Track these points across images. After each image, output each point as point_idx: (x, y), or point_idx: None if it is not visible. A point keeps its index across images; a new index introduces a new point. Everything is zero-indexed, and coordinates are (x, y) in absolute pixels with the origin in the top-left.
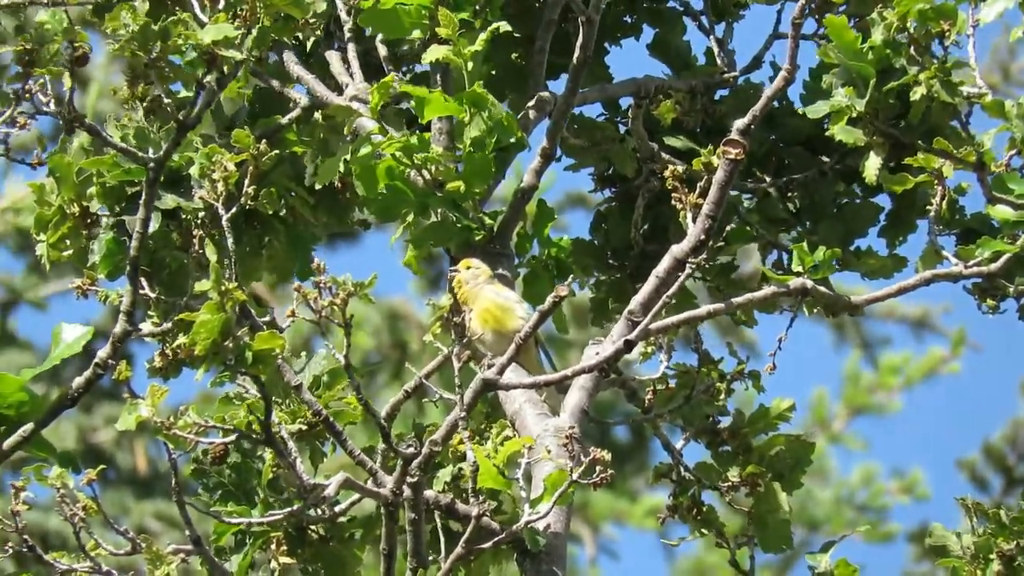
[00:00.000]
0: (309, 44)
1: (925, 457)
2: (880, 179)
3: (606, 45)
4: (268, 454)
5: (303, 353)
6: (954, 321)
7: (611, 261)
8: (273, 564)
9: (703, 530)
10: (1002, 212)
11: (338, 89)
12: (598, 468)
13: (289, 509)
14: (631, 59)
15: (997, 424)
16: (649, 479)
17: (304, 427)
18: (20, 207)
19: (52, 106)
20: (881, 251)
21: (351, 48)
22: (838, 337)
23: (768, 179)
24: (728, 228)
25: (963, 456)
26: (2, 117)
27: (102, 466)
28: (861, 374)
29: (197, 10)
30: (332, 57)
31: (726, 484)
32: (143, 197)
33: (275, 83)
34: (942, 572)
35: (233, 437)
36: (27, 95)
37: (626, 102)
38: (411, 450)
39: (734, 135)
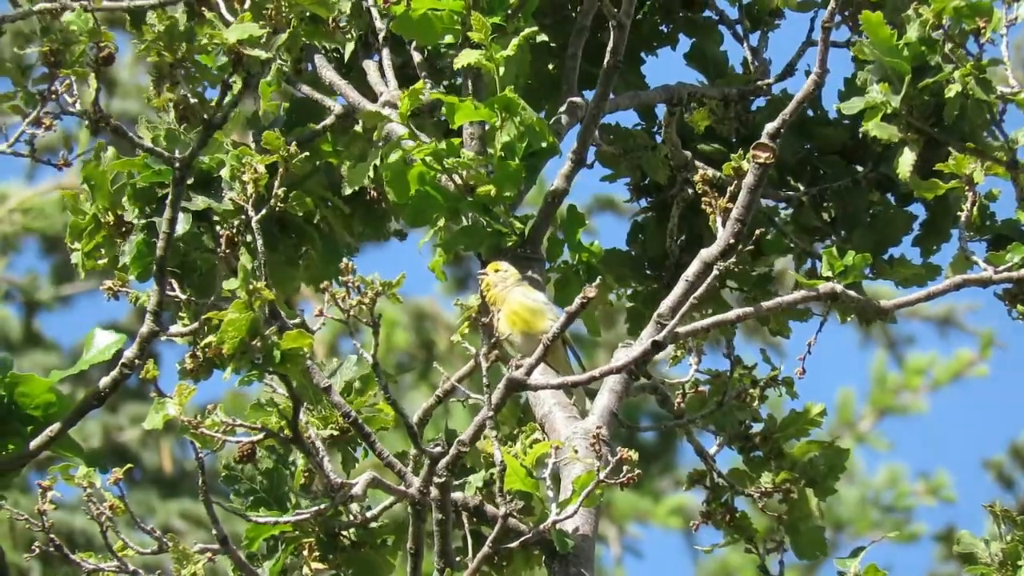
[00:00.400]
0: (347, 55)
1: (951, 458)
2: (912, 185)
3: (642, 55)
4: (300, 460)
5: (334, 359)
6: (979, 319)
7: (647, 271)
8: (305, 570)
9: (735, 536)
10: None
11: (376, 99)
12: (625, 468)
13: (316, 508)
14: (668, 69)
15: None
16: (675, 480)
17: (336, 432)
18: (28, 207)
19: (78, 106)
20: (915, 260)
21: (386, 55)
22: (863, 336)
23: (802, 188)
24: (760, 236)
25: (989, 457)
26: (28, 118)
27: (129, 465)
28: (888, 375)
29: (224, 11)
30: (369, 67)
31: (759, 491)
32: (170, 196)
33: (308, 90)
34: (968, 575)
35: (260, 436)
36: (53, 96)
37: (661, 111)
38: (438, 450)
39: (763, 139)
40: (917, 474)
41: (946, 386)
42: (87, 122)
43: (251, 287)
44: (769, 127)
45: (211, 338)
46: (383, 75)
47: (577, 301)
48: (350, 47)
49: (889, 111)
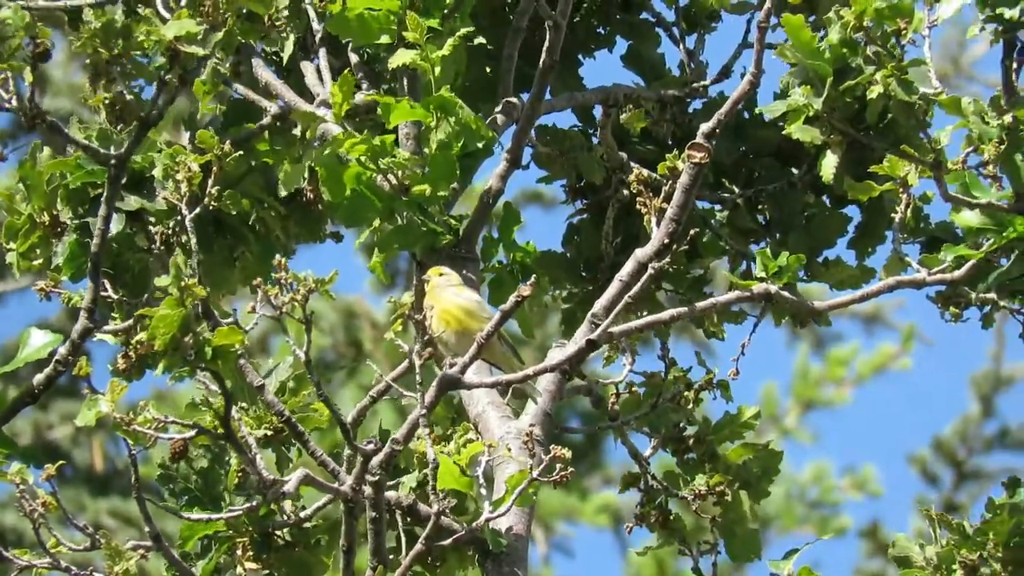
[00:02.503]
0: (286, 57)
1: (876, 453)
2: (845, 187)
3: (580, 57)
4: (234, 459)
5: (269, 360)
6: (906, 316)
7: (583, 273)
8: (239, 570)
9: (669, 539)
10: (966, 219)
11: (314, 101)
12: (558, 466)
13: (249, 505)
14: (605, 71)
15: (947, 419)
16: (604, 478)
17: (269, 432)
18: None
19: (14, 103)
20: (850, 261)
21: (323, 56)
22: (791, 335)
23: (737, 190)
24: (695, 237)
25: (914, 452)
26: None
27: (61, 462)
28: (810, 368)
29: (161, 8)
30: (307, 69)
31: (694, 493)
32: (105, 194)
33: (244, 90)
34: (893, 570)
35: (192, 433)
36: None
37: (598, 113)
38: (371, 447)
39: (698, 139)
40: (843, 469)
41: (870, 380)
42: (22, 117)
43: (183, 284)
44: (704, 127)
45: (143, 335)
46: (320, 77)
47: (511, 299)
48: (288, 48)
49: (811, 113)
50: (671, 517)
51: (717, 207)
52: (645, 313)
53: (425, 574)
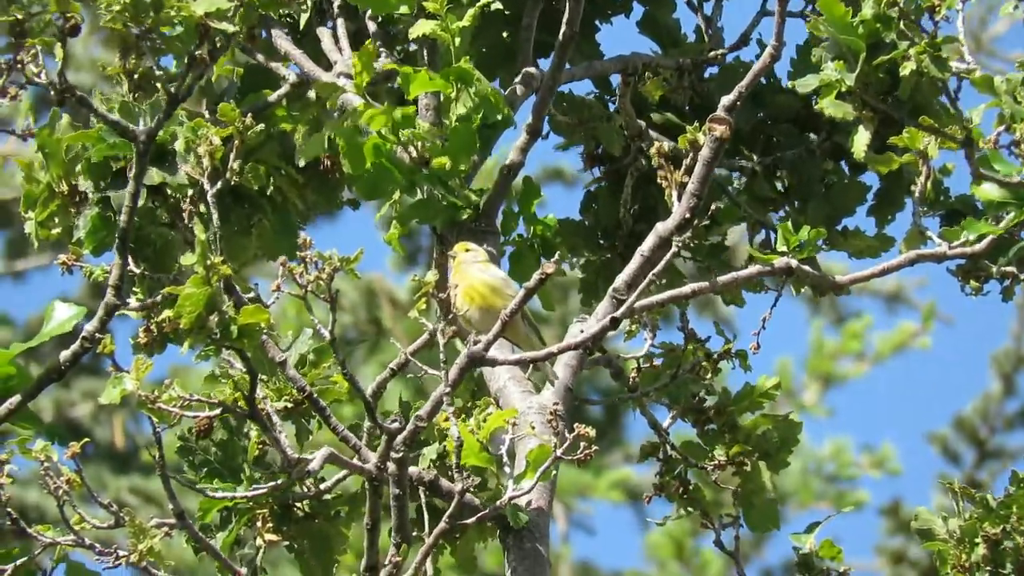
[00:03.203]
0: (302, 22)
1: (895, 430)
2: (865, 159)
3: (597, 23)
4: (254, 432)
5: (289, 332)
6: (927, 295)
7: (600, 241)
8: (259, 541)
9: (689, 508)
10: (987, 192)
11: (331, 67)
12: (582, 444)
13: (273, 483)
14: (622, 37)
15: (968, 397)
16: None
17: (290, 405)
18: None
19: (43, 77)
20: (869, 230)
21: (341, 25)
22: (811, 311)
23: (756, 158)
24: (715, 207)
25: (934, 430)
26: None
27: (85, 439)
28: (825, 341)
29: None
30: (323, 34)
31: (712, 463)
32: (133, 170)
33: (263, 59)
34: (915, 547)
35: (218, 411)
36: (19, 66)
37: (616, 81)
38: (395, 425)
39: (719, 112)
40: (862, 446)
41: (889, 358)
42: (51, 92)
43: (209, 262)
44: (725, 100)
45: (167, 313)
46: (337, 43)
47: (535, 277)
48: (305, 15)
49: (844, 89)
50: (690, 487)
51: (735, 174)
52: (664, 283)
53: (446, 547)
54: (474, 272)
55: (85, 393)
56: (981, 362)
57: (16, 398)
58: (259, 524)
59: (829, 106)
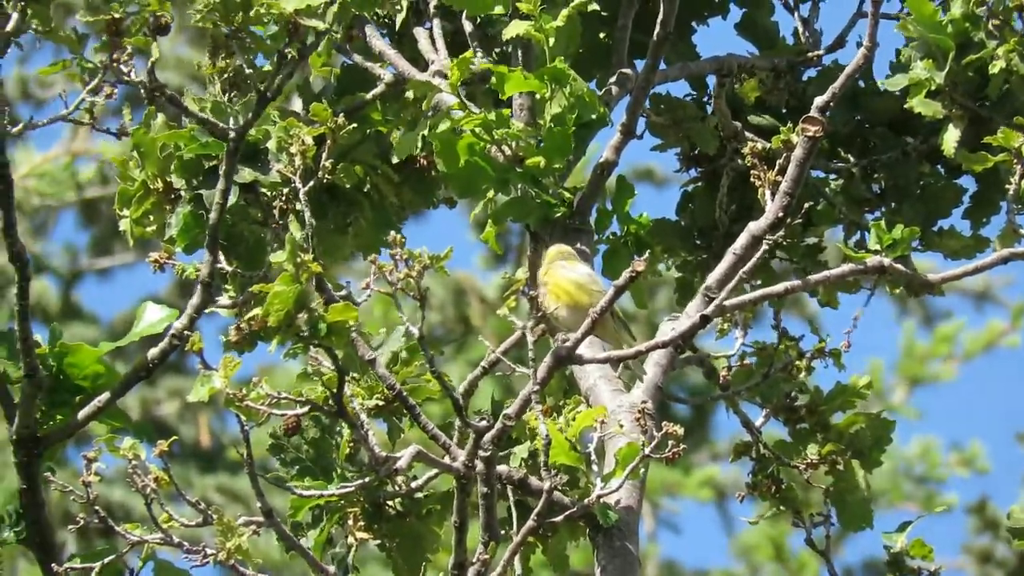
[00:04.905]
0: (399, 23)
1: (984, 430)
2: (959, 158)
3: (693, 24)
4: (346, 430)
5: (382, 329)
6: (1015, 293)
7: (697, 241)
8: (350, 539)
9: (781, 507)
10: None
11: (427, 68)
12: (670, 443)
13: (361, 481)
14: (719, 39)
15: None
16: (710, 453)
17: (381, 403)
18: (42, 172)
19: (134, 76)
20: (965, 232)
21: (436, 25)
22: (900, 310)
23: (852, 159)
24: (809, 207)
25: (1021, 429)
26: (88, 86)
27: (174, 438)
28: (916, 344)
29: None
30: (420, 35)
31: (805, 462)
32: (223, 168)
33: (360, 59)
34: (1002, 546)
35: (305, 409)
36: (115, 64)
37: (711, 81)
38: (483, 424)
39: (813, 113)
40: (950, 445)
41: (978, 357)
42: (142, 91)
43: (298, 260)
44: (818, 101)
45: (257, 310)
46: (433, 43)
47: (625, 275)
48: (401, 15)
49: (933, 87)
50: (783, 486)
51: (832, 176)
52: (759, 282)
53: (537, 545)
54: (560, 270)
55: (171, 391)
56: None
57: (105, 396)
58: (350, 522)
59: (919, 105)
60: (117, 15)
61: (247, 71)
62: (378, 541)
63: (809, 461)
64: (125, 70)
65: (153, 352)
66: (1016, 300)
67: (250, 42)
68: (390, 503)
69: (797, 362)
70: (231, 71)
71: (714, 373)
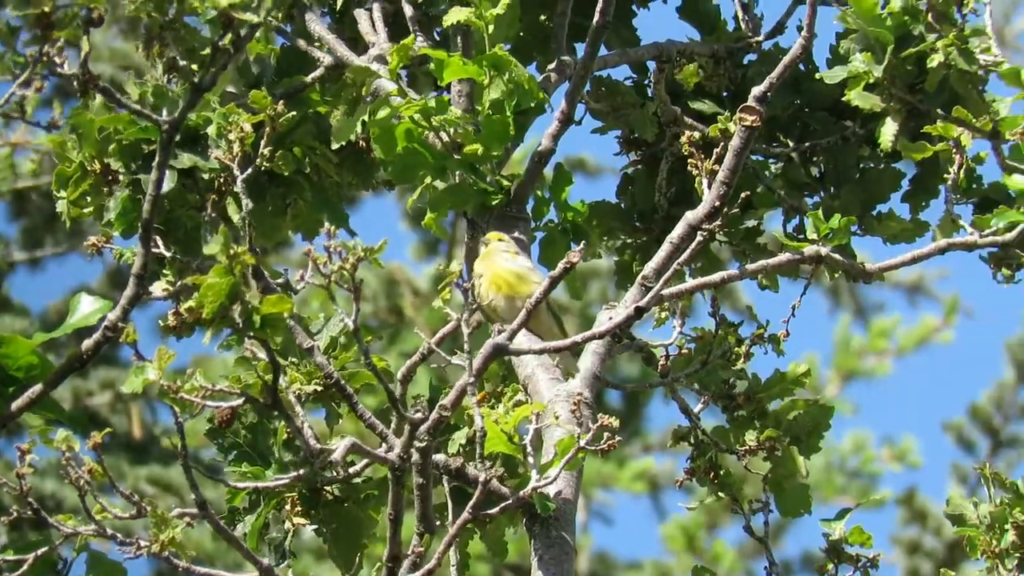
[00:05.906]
0: (339, 2)
1: (915, 423)
2: (899, 147)
3: (634, 7)
4: None
5: (321, 315)
6: (948, 286)
7: (636, 224)
8: (287, 525)
9: (719, 494)
10: (1018, 182)
11: (367, 48)
12: (606, 435)
13: (296, 473)
14: (660, 22)
15: (983, 386)
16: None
17: (319, 388)
18: None
19: (67, 68)
20: (904, 216)
21: (376, 7)
22: (833, 303)
23: (791, 144)
24: (746, 193)
25: (949, 419)
26: (19, 79)
27: (108, 429)
28: (851, 338)
29: None
30: (360, 16)
31: (744, 448)
32: (157, 158)
33: (301, 42)
34: (930, 537)
35: (240, 401)
36: (45, 57)
37: (651, 66)
38: (419, 415)
39: (750, 102)
40: (882, 439)
41: (912, 352)
42: (75, 83)
43: (231, 252)
44: (756, 90)
45: (191, 302)
46: (374, 25)
47: (560, 266)
48: None
49: (871, 80)
50: (721, 472)
51: (771, 160)
52: (698, 266)
53: (475, 532)
54: (500, 260)
55: (103, 382)
56: (996, 351)
57: (38, 387)
58: (288, 508)
59: (857, 98)
60: (47, 9)
61: (181, 63)
62: (315, 526)
63: (748, 447)
64: (58, 62)
65: (87, 343)
66: (947, 292)
67: (184, 33)
68: (328, 488)
69: (736, 348)
70: (170, 62)
71: (653, 359)
